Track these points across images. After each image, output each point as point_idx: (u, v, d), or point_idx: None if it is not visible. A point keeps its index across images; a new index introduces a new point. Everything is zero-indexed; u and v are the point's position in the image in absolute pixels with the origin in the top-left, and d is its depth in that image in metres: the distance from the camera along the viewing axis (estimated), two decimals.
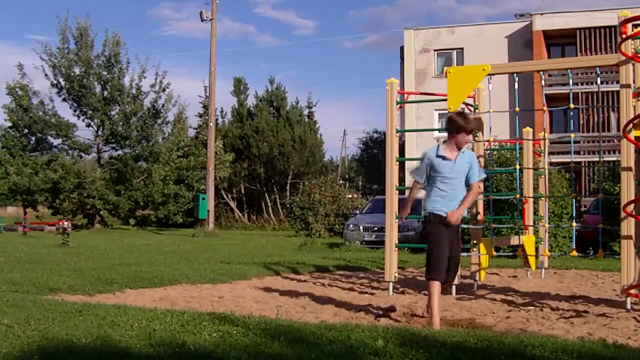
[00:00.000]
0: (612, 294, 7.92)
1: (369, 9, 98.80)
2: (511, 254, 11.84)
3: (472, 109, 9.13)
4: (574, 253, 8.13)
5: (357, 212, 21.43)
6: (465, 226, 8.51)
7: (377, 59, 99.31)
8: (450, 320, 5.95)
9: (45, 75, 30.89)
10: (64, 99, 31.41)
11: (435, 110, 31.31)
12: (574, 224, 8.72)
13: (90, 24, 31.49)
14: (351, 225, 19.03)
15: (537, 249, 10.16)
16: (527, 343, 4.24)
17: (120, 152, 32.41)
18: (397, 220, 8.11)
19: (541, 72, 9.27)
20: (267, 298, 7.59)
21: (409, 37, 34.60)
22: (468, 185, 5.82)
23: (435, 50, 34.18)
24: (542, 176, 10.66)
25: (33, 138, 31.65)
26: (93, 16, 64.79)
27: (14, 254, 12.58)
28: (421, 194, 6.19)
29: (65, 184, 29.55)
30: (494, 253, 8.57)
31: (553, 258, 11.46)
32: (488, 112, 8.76)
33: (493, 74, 8.09)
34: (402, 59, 35.44)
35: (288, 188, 38.91)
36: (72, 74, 30.70)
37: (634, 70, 6.70)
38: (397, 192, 8.42)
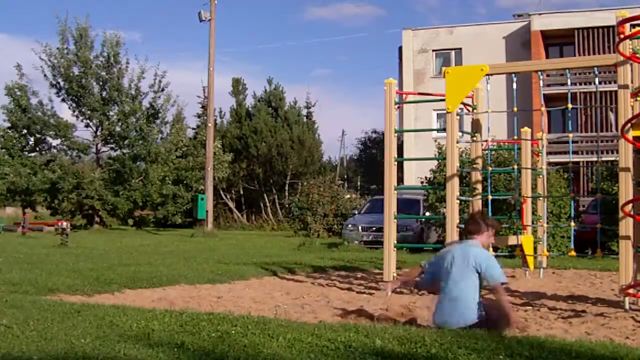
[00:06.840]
0: (611, 293, 7.93)
1: (363, 8, 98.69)
2: (509, 253, 11.85)
3: (470, 109, 9.16)
4: (572, 253, 8.14)
5: (356, 212, 21.45)
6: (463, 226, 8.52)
7: (375, 58, 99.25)
8: None
9: (44, 75, 30.87)
10: (63, 99, 31.38)
11: (434, 110, 31.27)
12: (572, 223, 8.73)
13: (90, 24, 31.51)
14: (350, 225, 19.04)
15: (535, 248, 10.17)
16: (526, 343, 4.25)
17: (118, 152, 32.40)
18: (395, 220, 8.12)
19: (539, 72, 9.30)
20: (265, 298, 7.60)
21: (407, 37, 34.59)
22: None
23: (433, 51, 34.17)
24: (541, 176, 10.67)
25: (32, 138, 31.59)
26: (91, 15, 64.55)
27: (13, 255, 12.56)
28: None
29: (64, 184, 29.49)
30: (493, 253, 8.57)
31: (551, 258, 11.47)
32: (486, 112, 8.79)
33: (491, 74, 8.11)
34: (400, 59, 35.43)
35: (287, 188, 38.85)
36: (71, 74, 30.65)
37: (631, 70, 6.71)
38: (395, 192, 8.42)
